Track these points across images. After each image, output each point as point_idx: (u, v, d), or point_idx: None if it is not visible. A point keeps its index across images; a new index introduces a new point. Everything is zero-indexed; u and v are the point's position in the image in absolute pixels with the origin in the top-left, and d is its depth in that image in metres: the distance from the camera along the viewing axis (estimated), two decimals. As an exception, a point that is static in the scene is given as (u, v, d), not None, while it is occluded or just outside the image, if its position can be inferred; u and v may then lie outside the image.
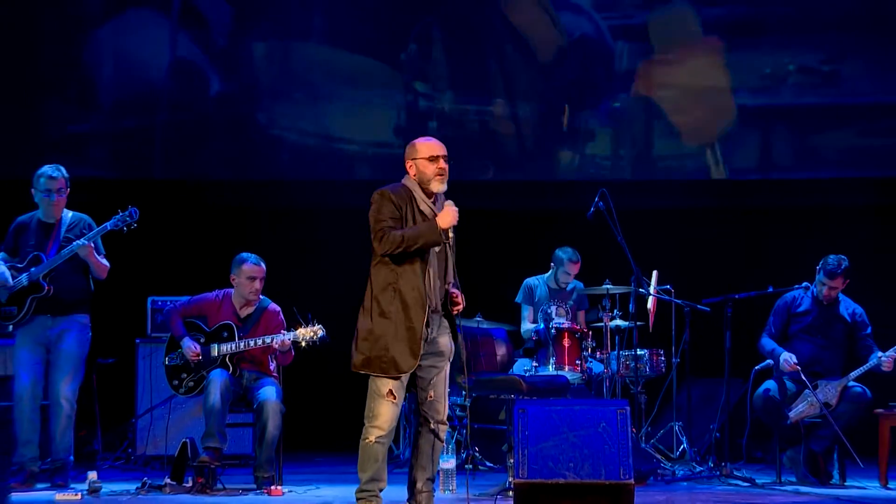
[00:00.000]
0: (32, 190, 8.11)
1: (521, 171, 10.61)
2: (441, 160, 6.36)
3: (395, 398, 6.28)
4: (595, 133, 10.60)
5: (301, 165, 10.55)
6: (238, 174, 10.60)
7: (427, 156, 6.38)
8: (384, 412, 6.28)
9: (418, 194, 6.35)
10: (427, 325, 6.30)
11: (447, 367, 6.48)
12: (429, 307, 6.32)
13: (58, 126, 10.51)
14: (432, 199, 6.38)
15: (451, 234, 6.33)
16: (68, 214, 8.16)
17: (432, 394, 6.43)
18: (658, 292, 9.00)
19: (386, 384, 6.29)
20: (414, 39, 10.51)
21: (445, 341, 6.45)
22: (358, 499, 6.34)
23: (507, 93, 10.60)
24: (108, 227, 8.01)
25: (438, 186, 6.35)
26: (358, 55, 10.55)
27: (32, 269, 7.99)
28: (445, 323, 6.46)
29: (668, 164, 10.60)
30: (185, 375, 8.19)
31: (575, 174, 10.55)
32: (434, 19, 10.50)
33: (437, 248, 6.38)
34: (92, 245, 7.97)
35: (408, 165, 6.43)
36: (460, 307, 6.45)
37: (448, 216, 6.27)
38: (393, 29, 10.53)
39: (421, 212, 6.30)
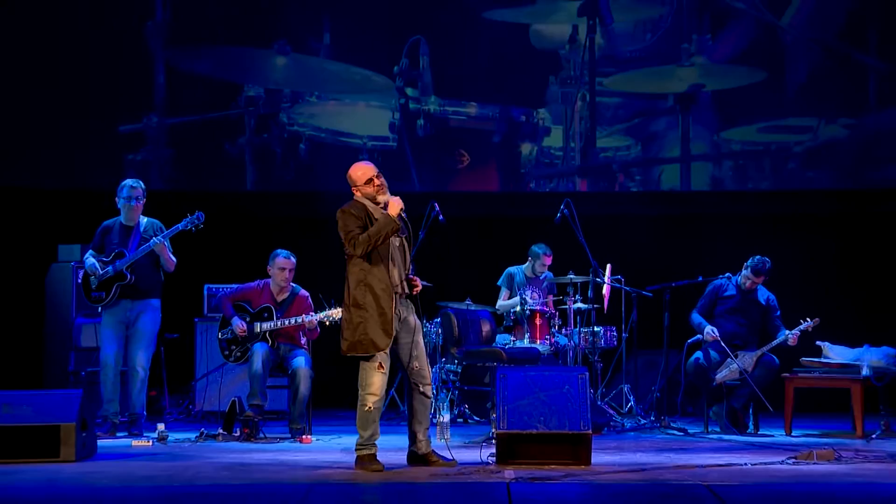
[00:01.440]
0: (116, 198, 8.15)
1: (492, 159, 10.64)
2: (374, 179, 6.40)
3: (384, 369, 6.34)
4: (550, 129, 10.56)
5: (316, 155, 10.55)
6: (267, 171, 10.60)
7: (363, 182, 6.41)
8: (376, 381, 6.34)
9: (370, 206, 6.38)
10: (395, 309, 6.34)
11: (421, 339, 6.54)
12: (396, 294, 6.36)
13: (122, 141, 10.52)
14: (383, 206, 6.38)
15: (404, 220, 6.35)
16: (143, 219, 8.19)
17: (416, 364, 6.50)
18: (611, 281, 9.01)
19: (376, 358, 6.33)
20: (406, 55, 10.45)
21: (413, 319, 6.50)
22: (359, 449, 6.41)
23: (479, 97, 10.58)
24: (180, 228, 8.04)
25: (383, 198, 6.38)
26: (361, 67, 10.53)
27: (117, 262, 8.03)
28: (411, 304, 6.51)
29: (609, 154, 10.62)
30: (234, 347, 8.26)
31: (534, 165, 10.60)
32: (421, 38, 10.44)
33: (396, 243, 6.40)
34: (165, 243, 8.04)
35: (354, 191, 6.45)
36: (418, 288, 6.50)
37: (394, 207, 6.32)
38: (389, 46, 10.50)
39: (376, 219, 6.32)
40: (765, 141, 10.49)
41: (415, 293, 6.50)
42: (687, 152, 10.52)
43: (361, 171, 6.45)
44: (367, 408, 6.35)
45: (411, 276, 6.50)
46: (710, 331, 8.53)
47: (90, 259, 8.10)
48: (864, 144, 10.38)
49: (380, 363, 6.34)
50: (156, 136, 10.46)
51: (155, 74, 10.45)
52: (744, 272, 8.67)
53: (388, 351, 6.37)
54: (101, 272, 8.04)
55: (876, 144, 10.37)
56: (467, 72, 10.62)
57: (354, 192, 6.46)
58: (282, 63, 10.60)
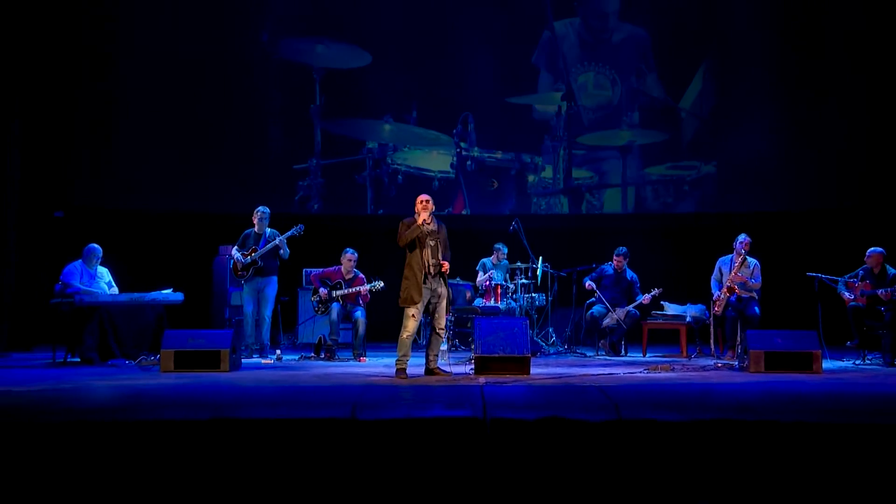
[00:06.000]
0: (253, 217, 8.16)
1: (510, 184, 10.65)
2: (420, 203, 6.37)
3: (415, 318, 6.32)
4: (545, 166, 10.62)
5: (407, 182, 10.56)
6: (379, 191, 10.55)
7: (417, 203, 6.40)
8: (410, 324, 6.32)
9: (419, 219, 6.37)
10: (426, 281, 6.31)
11: (444, 303, 6.50)
12: (426, 271, 6.31)
13: (280, 176, 10.51)
14: (430, 221, 6.38)
15: (427, 227, 6.27)
16: (268, 229, 8.18)
17: (437, 315, 6.48)
18: (542, 266, 9.05)
19: (411, 310, 6.31)
20: (460, 123, 10.51)
21: (441, 290, 6.46)
22: (397, 363, 6.40)
23: (503, 147, 10.64)
24: (290, 234, 8.02)
25: (424, 214, 6.35)
26: (434, 130, 10.63)
27: (253, 254, 8.04)
28: (440, 279, 6.46)
29: (580, 181, 10.62)
30: (320, 306, 8.23)
31: (535, 188, 10.62)
32: (469, 114, 10.51)
33: (432, 244, 6.34)
34: (281, 243, 8.03)
35: (415, 212, 6.45)
36: (445, 268, 6.43)
37: (420, 218, 6.31)
38: (450, 118, 10.56)
39: (420, 226, 6.35)
40: (670, 174, 10.58)
41: (443, 271, 6.44)
42: (625, 181, 10.64)
43: (418, 199, 6.46)
44: (402, 337, 6.36)
45: (442, 261, 6.44)
46: (589, 284, 8.58)
47: (237, 254, 8.11)
48: (724, 177, 10.53)
49: (413, 314, 6.32)
50: (315, 171, 10.56)
51: (315, 134, 10.56)
52: (614, 256, 8.71)
53: (420, 307, 6.33)
54: (243, 261, 8.07)
55: (730, 177, 10.56)
56: (496, 133, 10.72)
57: (415, 212, 6.46)
58: (388, 128, 10.66)
